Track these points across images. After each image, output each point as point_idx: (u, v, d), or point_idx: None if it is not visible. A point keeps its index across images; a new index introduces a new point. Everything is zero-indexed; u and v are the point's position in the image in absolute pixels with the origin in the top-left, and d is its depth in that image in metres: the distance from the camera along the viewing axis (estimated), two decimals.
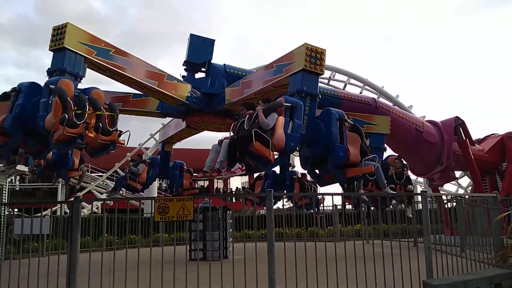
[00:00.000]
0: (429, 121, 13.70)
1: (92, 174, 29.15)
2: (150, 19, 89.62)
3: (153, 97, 9.07)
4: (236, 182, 44.29)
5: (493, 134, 15.64)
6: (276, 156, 6.82)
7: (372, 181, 9.61)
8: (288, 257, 5.47)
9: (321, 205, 13.22)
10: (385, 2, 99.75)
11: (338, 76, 28.86)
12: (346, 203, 13.06)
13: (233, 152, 6.81)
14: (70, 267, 5.14)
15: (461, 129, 13.54)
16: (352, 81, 28.64)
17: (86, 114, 6.24)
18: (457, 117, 13.68)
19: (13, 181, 30.64)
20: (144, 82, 8.00)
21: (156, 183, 27.12)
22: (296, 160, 13.54)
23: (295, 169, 13.67)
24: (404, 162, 11.72)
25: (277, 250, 5.43)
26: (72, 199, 5.67)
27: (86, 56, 7.04)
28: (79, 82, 6.98)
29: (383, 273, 5.67)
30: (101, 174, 28.34)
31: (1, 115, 6.63)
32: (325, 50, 7.58)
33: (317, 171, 8.14)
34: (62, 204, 8.27)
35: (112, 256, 5.29)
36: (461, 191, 26.89)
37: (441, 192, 19.35)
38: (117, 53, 7.55)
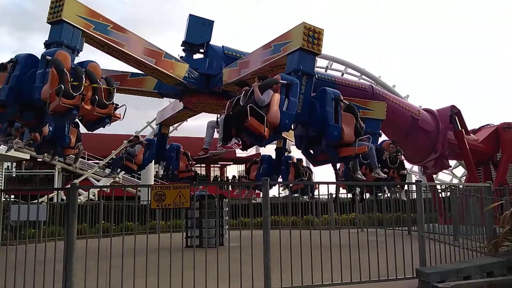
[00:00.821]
0: (425, 109, 13.71)
1: (89, 162, 29.12)
2: (146, 6, 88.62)
3: (151, 75, 9.03)
4: (233, 170, 44.42)
5: (488, 124, 15.70)
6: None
7: (366, 165, 9.65)
8: (283, 244, 5.53)
9: (316, 189, 13.23)
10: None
11: (335, 65, 28.81)
12: (341, 188, 13.02)
13: (229, 128, 6.78)
14: (66, 254, 5.18)
15: (456, 118, 13.57)
16: (349, 70, 28.60)
17: (83, 86, 6.22)
18: (453, 105, 13.70)
19: (9, 167, 30.60)
20: (142, 59, 7.97)
21: (152, 171, 27.19)
22: (293, 147, 13.57)
23: (291, 154, 13.69)
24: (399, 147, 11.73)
25: (272, 238, 5.49)
26: (69, 186, 5.68)
27: (84, 29, 7.01)
28: (77, 55, 6.95)
29: (377, 261, 5.75)
30: (97, 161, 28.33)
31: None
32: (323, 30, 7.51)
33: (311, 151, 8.18)
34: (59, 191, 8.27)
35: (108, 243, 5.33)
36: (455, 181, 27.06)
37: (436, 181, 19.48)
38: (115, 29, 7.52)
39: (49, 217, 11.61)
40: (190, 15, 9.89)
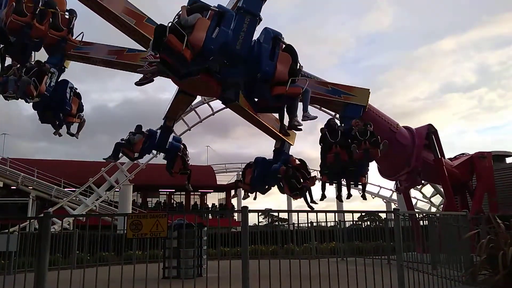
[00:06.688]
0: (404, 127, 13.95)
1: (65, 189, 28.43)
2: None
3: (132, 38, 9.03)
4: (213, 199, 43.99)
5: (463, 153, 16.11)
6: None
7: (337, 143, 9.57)
8: (262, 275, 5.45)
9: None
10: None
11: None
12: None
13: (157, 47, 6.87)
14: (37, 286, 4.98)
15: (433, 137, 13.85)
16: None
17: (38, 8, 6.92)
18: (430, 124, 14.02)
19: None
20: (121, 17, 8.07)
21: (130, 198, 26.71)
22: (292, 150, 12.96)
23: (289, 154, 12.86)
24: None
25: (251, 268, 5.41)
26: (42, 215, 5.52)
27: None
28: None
29: None
30: (74, 189, 27.65)
31: None
32: None
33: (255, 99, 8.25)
34: (32, 220, 8.01)
35: (82, 275, 5.15)
36: (433, 209, 27.42)
37: (415, 210, 19.68)
38: None
39: (20, 247, 11.21)
40: None
